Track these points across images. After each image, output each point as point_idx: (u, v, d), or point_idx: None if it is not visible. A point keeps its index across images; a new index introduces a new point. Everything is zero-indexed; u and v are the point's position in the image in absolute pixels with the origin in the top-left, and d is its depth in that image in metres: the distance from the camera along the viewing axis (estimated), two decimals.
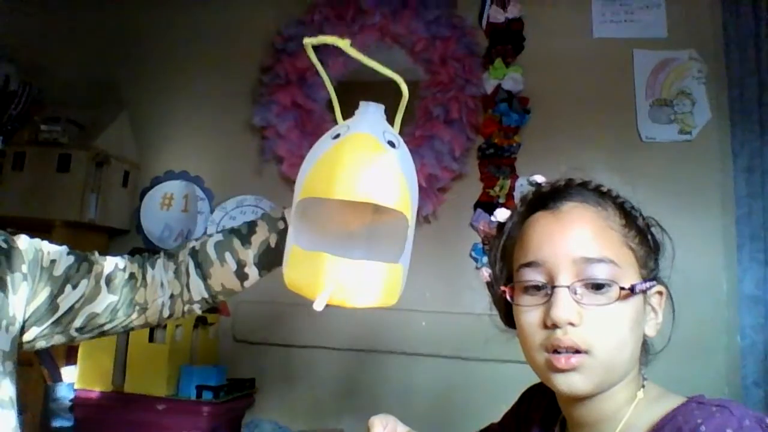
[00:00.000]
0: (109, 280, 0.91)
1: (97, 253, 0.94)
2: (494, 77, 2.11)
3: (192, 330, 1.96)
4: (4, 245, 0.84)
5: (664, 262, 0.74)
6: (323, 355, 2.11)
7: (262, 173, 2.27)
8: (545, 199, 0.74)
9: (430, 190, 2.05)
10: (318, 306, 0.75)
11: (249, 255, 0.94)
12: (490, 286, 0.81)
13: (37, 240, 0.89)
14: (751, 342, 1.79)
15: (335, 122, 0.86)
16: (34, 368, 1.91)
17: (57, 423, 1.84)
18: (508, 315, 0.79)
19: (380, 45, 2.18)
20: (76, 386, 1.87)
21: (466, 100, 2.07)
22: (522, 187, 2.06)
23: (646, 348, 0.74)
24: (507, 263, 0.78)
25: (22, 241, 0.86)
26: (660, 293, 0.73)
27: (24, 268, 0.83)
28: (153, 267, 0.95)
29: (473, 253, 2.05)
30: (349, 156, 0.75)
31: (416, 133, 2.06)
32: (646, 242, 0.72)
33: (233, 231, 0.97)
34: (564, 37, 2.13)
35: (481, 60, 2.14)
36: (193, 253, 0.95)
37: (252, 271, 0.95)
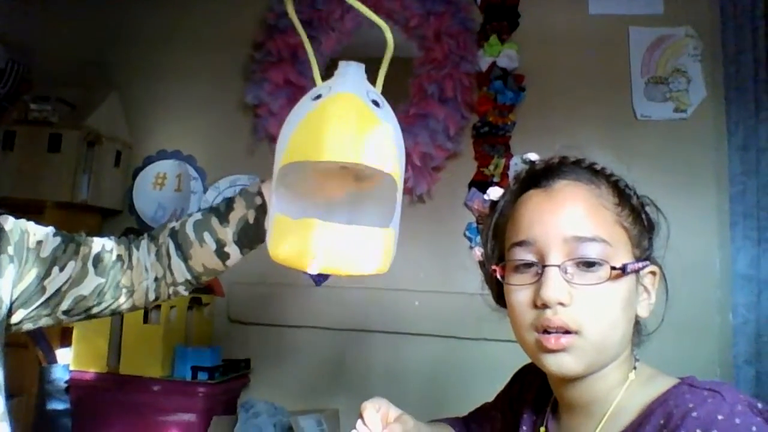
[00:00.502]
0: (96, 262, 0.90)
1: (84, 234, 0.93)
2: (489, 54, 2.09)
3: (186, 311, 1.96)
4: None
5: (659, 242, 0.73)
6: (318, 335, 2.12)
7: (255, 152, 2.25)
8: (538, 177, 0.73)
9: (424, 169, 2.04)
10: (313, 270, 0.73)
11: (228, 233, 0.92)
12: (482, 264, 0.80)
13: (22, 221, 0.87)
14: (744, 321, 1.80)
15: (314, 84, 0.82)
16: (29, 350, 1.91)
17: (52, 405, 1.84)
18: (499, 294, 0.78)
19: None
20: (71, 368, 1.87)
21: (461, 77, 2.05)
22: (516, 166, 2.05)
23: (638, 329, 0.73)
24: (499, 242, 0.77)
25: (8, 222, 0.85)
26: (653, 273, 0.72)
27: (10, 249, 0.82)
28: (138, 249, 0.94)
29: (467, 233, 2.05)
30: (336, 116, 0.71)
31: (410, 111, 2.04)
32: (640, 221, 0.71)
33: (212, 209, 0.94)
34: (560, 13, 2.11)
35: (476, 36, 2.12)
36: (173, 234, 0.93)
37: (233, 250, 0.93)
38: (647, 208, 0.73)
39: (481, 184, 2.05)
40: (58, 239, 0.88)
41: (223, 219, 0.92)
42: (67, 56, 2.45)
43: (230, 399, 1.98)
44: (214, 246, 0.92)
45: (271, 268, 2.26)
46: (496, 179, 2.03)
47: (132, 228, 2.24)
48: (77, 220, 2.12)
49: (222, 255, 0.93)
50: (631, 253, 0.69)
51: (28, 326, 0.88)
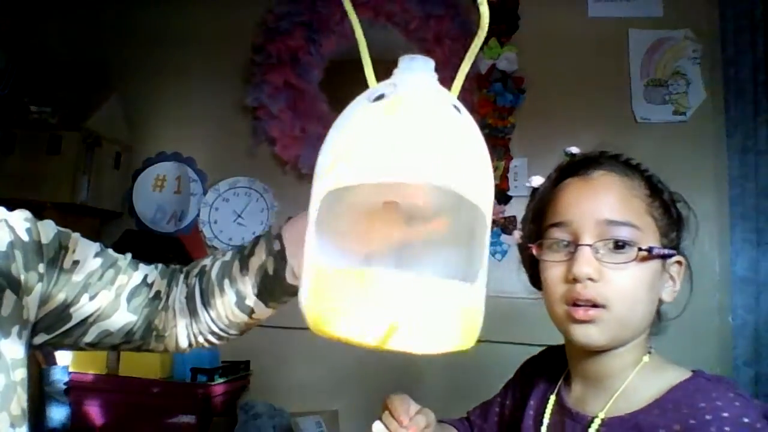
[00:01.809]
0: (131, 297, 0.77)
1: (129, 258, 0.81)
2: (489, 57, 2.09)
3: None
4: (25, 237, 0.71)
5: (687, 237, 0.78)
6: (318, 337, 2.10)
7: (255, 154, 2.25)
8: (577, 166, 0.79)
9: None
10: (392, 344, 0.48)
11: (247, 284, 0.74)
12: (521, 247, 0.87)
13: (66, 233, 0.76)
14: (743, 322, 1.80)
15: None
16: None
17: (52, 406, 1.84)
18: (534, 276, 0.84)
19: (374, 24, 2.15)
20: (70, 369, 1.87)
21: None
22: (516, 168, 2.06)
23: (659, 315, 0.77)
24: (537, 224, 0.82)
25: (47, 233, 0.74)
26: (679, 263, 0.77)
27: (41, 267, 0.71)
28: (177, 285, 0.80)
29: None
30: (412, 123, 0.49)
31: None
32: (669, 214, 0.76)
33: (239, 250, 0.77)
34: (559, 16, 2.11)
35: None
36: (201, 276, 0.78)
37: (257, 306, 0.75)
38: (678, 204, 0.78)
39: None
40: (98, 262, 0.76)
41: (244, 265, 0.75)
42: (68, 58, 2.45)
43: (230, 400, 1.98)
44: (234, 297, 0.75)
45: None
46: (495, 182, 2.03)
47: (131, 230, 2.25)
48: (77, 221, 2.12)
49: (244, 308, 0.76)
50: (659, 241, 0.74)
51: (48, 349, 0.83)
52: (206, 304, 0.77)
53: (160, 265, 0.83)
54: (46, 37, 2.49)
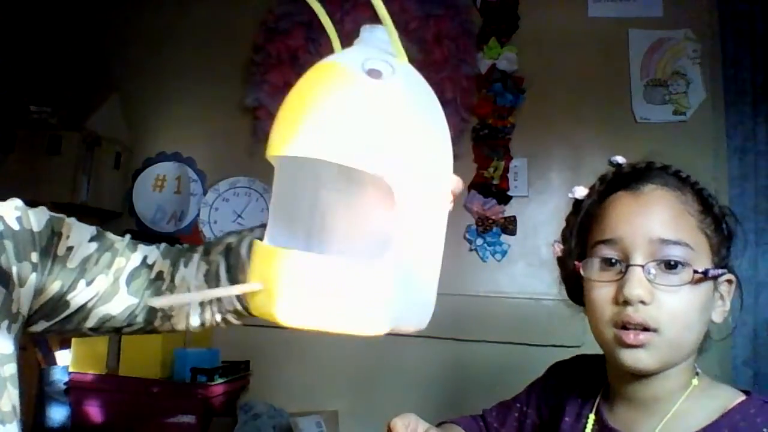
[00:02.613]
0: (131, 279, 0.75)
1: (127, 239, 0.79)
2: (488, 57, 2.09)
3: None
4: (16, 226, 0.69)
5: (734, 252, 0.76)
6: (317, 337, 2.09)
7: (255, 154, 2.25)
8: (627, 179, 0.76)
9: None
10: (281, 318, 0.46)
11: None
12: (561, 261, 0.83)
13: (59, 218, 0.74)
14: (741, 322, 1.80)
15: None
16: (29, 352, 1.91)
17: (52, 406, 1.84)
18: (574, 291, 0.81)
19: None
20: (70, 369, 1.87)
21: (460, 80, 2.06)
22: (516, 168, 2.06)
23: (706, 334, 0.75)
24: (582, 240, 0.79)
25: (39, 220, 0.72)
26: (729, 282, 0.74)
27: (34, 256, 0.69)
28: (186, 265, 0.77)
29: (467, 235, 2.05)
30: (299, 95, 0.49)
31: None
32: (720, 230, 0.74)
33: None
34: (559, 16, 2.11)
35: (476, 39, 2.12)
36: (227, 252, 0.76)
37: None
38: (727, 218, 0.75)
39: (480, 186, 2.05)
40: (93, 246, 0.75)
41: None
42: (68, 58, 2.45)
43: (230, 400, 1.98)
44: None
45: None
46: (495, 182, 2.04)
47: (131, 230, 2.25)
48: None
49: None
50: (711, 260, 0.71)
51: (53, 335, 0.78)
52: (233, 280, 0.75)
53: (162, 245, 0.80)
54: (47, 37, 2.49)
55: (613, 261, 0.72)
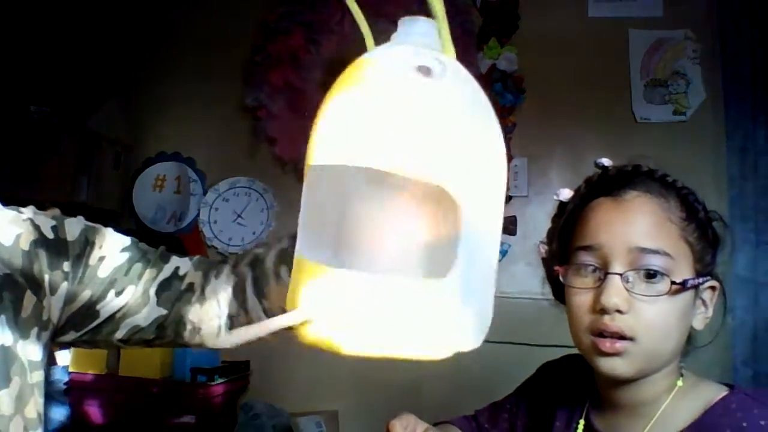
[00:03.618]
0: (161, 290, 0.74)
1: (161, 250, 0.79)
2: (489, 57, 2.09)
3: None
4: (50, 235, 0.70)
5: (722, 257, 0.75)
6: None
7: (255, 154, 2.25)
8: (610, 184, 0.74)
9: None
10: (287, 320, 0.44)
11: None
12: (545, 261, 0.83)
13: (94, 228, 0.75)
14: (741, 322, 1.80)
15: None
16: None
17: (52, 406, 1.84)
18: (558, 291, 0.80)
19: (374, 24, 2.15)
20: (70, 369, 1.87)
21: None
22: (516, 168, 2.06)
23: (690, 339, 0.74)
24: (564, 243, 0.78)
25: (74, 230, 0.72)
26: (713, 288, 0.73)
27: (66, 265, 0.70)
28: (216, 277, 0.76)
29: None
30: (343, 98, 0.45)
31: None
32: (705, 237, 0.73)
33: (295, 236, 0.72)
34: (559, 16, 2.11)
35: (476, 39, 2.12)
36: (254, 264, 0.74)
37: None
38: (714, 224, 0.75)
39: None
40: (125, 256, 0.75)
41: None
42: (68, 58, 2.45)
43: (230, 401, 1.98)
44: None
45: None
46: None
47: (131, 230, 2.25)
48: None
49: None
50: (693, 267, 0.70)
51: (84, 346, 0.78)
52: (259, 293, 0.72)
53: (195, 257, 0.80)
54: (47, 38, 2.49)
55: (593, 268, 0.71)
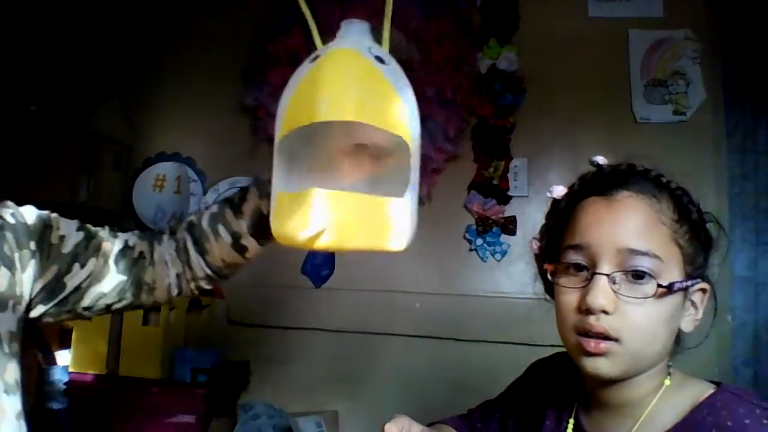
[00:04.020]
0: (118, 260, 0.88)
1: (107, 229, 0.92)
2: (488, 57, 2.09)
3: (186, 312, 1.96)
4: (12, 220, 0.81)
5: (716, 257, 0.76)
6: (318, 337, 2.11)
7: (255, 154, 2.25)
8: (602, 183, 0.74)
9: (424, 171, 2.04)
10: (313, 239, 0.62)
11: (242, 225, 0.87)
12: (537, 258, 0.83)
13: (46, 213, 0.86)
14: (741, 322, 1.80)
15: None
16: (29, 352, 1.91)
17: (51, 406, 1.84)
18: (549, 288, 0.81)
19: (372, 24, 2.15)
20: (70, 369, 1.87)
21: (460, 80, 2.06)
22: (516, 168, 2.06)
23: (678, 340, 0.74)
24: (555, 241, 0.78)
25: (30, 215, 0.84)
26: (703, 291, 0.73)
27: (32, 245, 0.81)
28: (160, 244, 0.92)
29: (467, 235, 2.05)
30: (332, 73, 0.64)
31: None
32: (698, 239, 0.72)
33: (227, 201, 0.90)
34: (559, 16, 2.11)
35: (476, 39, 2.12)
36: (191, 228, 0.91)
37: (250, 243, 0.88)
38: (708, 225, 0.74)
39: (480, 186, 2.05)
40: (81, 235, 0.87)
41: (237, 210, 0.88)
42: (68, 58, 2.45)
43: (230, 401, 1.98)
44: (229, 239, 0.88)
45: (271, 270, 2.27)
46: (495, 181, 2.04)
47: (131, 230, 2.24)
48: None
49: (239, 248, 0.89)
50: (683, 270, 0.70)
51: (48, 320, 0.86)
52: (201, 251, 0.89)
53: (137, 231, 0.94)
54: (47, 38, 2.49)
55: (581, 267, 0.71)
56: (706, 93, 1.98)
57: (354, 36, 0.71)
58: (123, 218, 2.31)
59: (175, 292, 0.93)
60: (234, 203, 0.89)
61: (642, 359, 0.68)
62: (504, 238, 2.02)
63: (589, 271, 0.70)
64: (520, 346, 1.86)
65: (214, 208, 0.90)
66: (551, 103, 2.07)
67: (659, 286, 0.66)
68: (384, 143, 0.72)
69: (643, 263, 0.67)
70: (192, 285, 0.93)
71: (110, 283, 0.87)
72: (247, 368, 2.08)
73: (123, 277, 0.88)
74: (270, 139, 2.19)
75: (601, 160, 0.78)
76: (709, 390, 0.69)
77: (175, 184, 2.29)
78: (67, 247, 0.84)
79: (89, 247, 0.86)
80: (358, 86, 0.63)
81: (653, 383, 0.71)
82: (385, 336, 2.06)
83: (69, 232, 0.86)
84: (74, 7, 2.46)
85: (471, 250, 2.04)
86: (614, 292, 0.67)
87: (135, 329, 1.84)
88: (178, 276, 0.91)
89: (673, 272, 0.68)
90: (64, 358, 1.91)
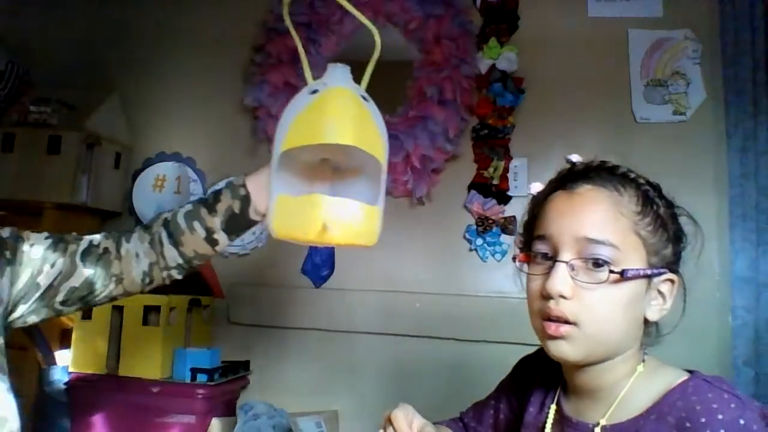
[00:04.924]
0: (84, 257, 1.00)
1: (74, 234, 1.04)
2: (488, 57, 2.09)
3: (186, 312, 1.96)
4: None
5: (692, 252, 0.79)
6: (318, 337, 2.12)
7: (255, 154, 2.25)
8: (567, 179, 0.80)
9: (424, 171, 2.04)
10: (325, 236, 0.82)
11: (216, 222, 1.01)
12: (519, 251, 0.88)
13: (15, 228, 0.99)
14: (743, 323, 1.80)
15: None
16: (28, 352, 1.91)
17: (51, 406, 1.84)
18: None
19: (373, 24, 2.15)
20: (70, 369, 1.87)
21: (460, 80, 2.05)
22: (516, 168, 2.06)
23: (650, 330, 0.78)
24: (528, 234, 0.84)
25: (4, 231, 0.97)
26: (672, 281, 0.75)
27: (8, 253, 0.94)
28: (128, 241, 1.03)
29: (467, 235, 2.05)
30: (337, 106, 0.82)
31: (410, 114, 2.04)
32: (663, 232, 0.75)
33: (201, 201, 1.04)
34: (559, 16, 2.11)
35: (476, 39, 2.12)
36: (166, 224, 1.03)
37: (221, 237, 1.02)
38: (681, 219, 0.78)
39: (480, 186, 2.05)
40: (49, 241, 0.99)
41: (212, 209, 1.01)
42: (67, 58, 2.45)
43: (230, 401, 1.98)
44: (203, 233, 1.01)
45: (271, 270, 2.27)
46: (495, 182, 2.03)
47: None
48: (76, 221, 2.12)
49: (211, 241, 1.02)
50: (646, 261, 0.73)
51: (32, 318, 0.98)
52: (176, 243, 1.01)
53: (103, 232, 1.06)
54: (46, 37, 2.49)
55: (544, 256, 0.76)
56: (706, 93, 1.98)
57: (340, 76, 0.87)
58: (123, 218, 2.31)
59: (146, 280, 1.04)
60: (208, 203, 1.02)
61: (602, 343, 0.72)
62: (504, 238, 2.02)
63: (552, 259, 0.75)
64: (519, 346, 1.85)
65: (189, 207, 1.04)
66: (551, 103, 2.07)
67: (611, 272, 0.70)
68: (344, 161, 0.95)
69: (600, 251, 0.71)
70: (164, 273, 1.04)
71: (79, 277, 0.99)
72: (247, 368, 2.08)
73: (90, 271, 1.00)
74: (269, 139, 2.19)
75: (574, 158, 0.83)
76: (683, 377, 0.71)
77: (175, 184, 2.29)
78: (38, 253, 0.97)
79: (56, 250, 0.98)
80: (354, 118, 0.83)
81: (625, 369, 0.75)
82: (386, 336, 2.06)
83: (38, 239, 0.99)
84: (75, 7, 2.47)
85: (471, 250, 2.04)
86: (573, 278, 0.72)
87: (135, 329, 1.84)
88: (150, 266, 1.03)
89: (631, 261, 0.72)
90: (64, 358, 1.91)
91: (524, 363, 0.98)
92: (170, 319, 1.88)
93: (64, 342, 1.97)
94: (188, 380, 1.83)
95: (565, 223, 0.75)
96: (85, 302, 1.02)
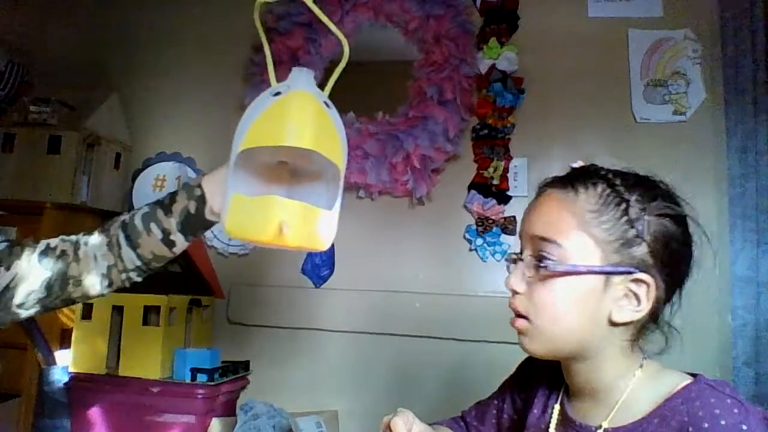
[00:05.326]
0: (41, 259, 0.99)
1: (31, 239, 1.03)
2: (488, 57, 2.09)
3: (186, 312, 1.96)
4: None
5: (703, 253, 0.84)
6: (317, 337, 2.12)
7: None
8: (543, 183, 0.84)
9: (424, 171, 2.04)
10: (268, 230, 0.80)
11: (172, 223, 1.00)
12: None
13: None
14: (743, 323, 1.80)
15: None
16: (28, 352, 1.91)
17: (51, 406, 1.84)
18: None
19: (373, 24, 2.15)
20: (70, 369, 1.87)
21: (460, 80, 2.05)
22: (516, 168, 2.06)
23: (643, 331, 0.77)
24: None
25: None
26: (644, 282, 0.73)
27: None
28: (86, 243, 1.02)
29: (467, 235, 2.05)
30: (298, 109, 0.82)
31: (410, 114, 2.04)
32: (629, 230, 0.73)
33: (157, 202, 1.03)
34: (559, 16, 2.11)
35: (476, 39, 2.12)
36: (123, 226, 1.02)
37: (178, 238, 1.01)
38: (665, 221, 0.76)
39: (480, 186, 2.05)
40: (5, 245, 0.99)
41: (168, 210, 1.00)
42: (67, 58, 2.45)
43: (229, 401, 1.98)
44: (160, 235, 1.00)
45: (271, 270, 2.27)
46: (495, 182, 2.04)
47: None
48: (76, 221, 2.12)
49: (168, 243, 1.01)
50: (602, 259, 0.72)
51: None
52: (133, 245, 1.00)
53: (61, 236, 1.04)
54: (46, 37, 2.49)
55: (515, 254, 0.81)
56: (706, 93, 1.98)
57: (304, 81, 0.87)
58: None
59: (105, 283, 1.02)
60: (164, 204, 1.01)
61: (556, 337, 0.75)
62: (504, 238, 2.02)
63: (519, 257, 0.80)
64: (519, 346, 1.86)
65: (146, 209, 1.03)
66: (551, 103, 2.07)
67: (543, 267, 0.74)
68: (302, 164, 0.95)
69: (544, 248, 0.75)
70: (123, 276, 1.03)
71: (36, 279, 0.98)
72: (246, 368, 2.08)
73: (48, 273, 0.98)
74: None
75: (575, 165, 0.85)
76: (686, 381, 0.71)
77: (175, 184, 2.29)
78: None
79: (12, 254, 0.98)
80: (314, 123, 0.82)
81: (615, 370, 0.75)
82: (385, 336, 2.06)
83: None
84: (75, 7, 2.47)
85: (471, 250, 2.04)
86: (525, 274, 0.77)
87: (135, 329, 1.84)
88: (108, 268, 1.01)
89: (580, 259, 0.73)
90: (64, 358, 1.91)
91: (528, 363, 0.98)
92: (170, 319, 1.88)
93: (64, 342, 1.97)
94: (188, 380, 1.83)
95: (525, 224, 0.81)
96: (43, 305, 1.00)
